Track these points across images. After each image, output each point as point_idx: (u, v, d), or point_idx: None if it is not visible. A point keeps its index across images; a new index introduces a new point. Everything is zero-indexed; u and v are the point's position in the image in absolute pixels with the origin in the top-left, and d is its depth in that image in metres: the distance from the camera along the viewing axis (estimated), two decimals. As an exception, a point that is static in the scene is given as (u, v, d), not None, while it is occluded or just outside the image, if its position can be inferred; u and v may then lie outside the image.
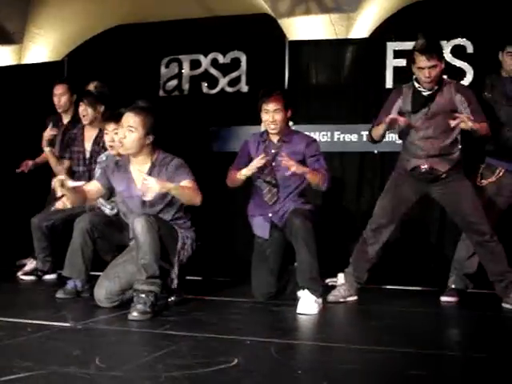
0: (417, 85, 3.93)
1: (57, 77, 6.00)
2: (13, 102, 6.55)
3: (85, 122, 4.83)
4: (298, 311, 3.65)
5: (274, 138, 4.08)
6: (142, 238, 3.40)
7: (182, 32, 6.52)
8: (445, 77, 4.05)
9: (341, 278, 4.26)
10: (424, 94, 3.91)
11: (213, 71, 6.37)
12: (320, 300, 3.77)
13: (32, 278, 4.97)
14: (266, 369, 2.45)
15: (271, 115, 3.99)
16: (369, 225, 4.10)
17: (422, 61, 3.81)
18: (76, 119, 5.07)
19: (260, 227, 4.11)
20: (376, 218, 4.07)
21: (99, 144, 4.72)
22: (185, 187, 3.56)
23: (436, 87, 3.89)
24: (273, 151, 4.04)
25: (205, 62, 6.39)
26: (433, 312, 3.73)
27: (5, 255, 5.51)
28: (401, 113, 3.97)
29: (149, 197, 3.42)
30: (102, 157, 4.41)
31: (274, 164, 4.02)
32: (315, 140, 4.19)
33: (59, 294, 4.01)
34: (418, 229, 5.34)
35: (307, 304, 3.68)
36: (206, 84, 6.39)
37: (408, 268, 4.15)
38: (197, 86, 6.41)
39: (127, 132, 3.60)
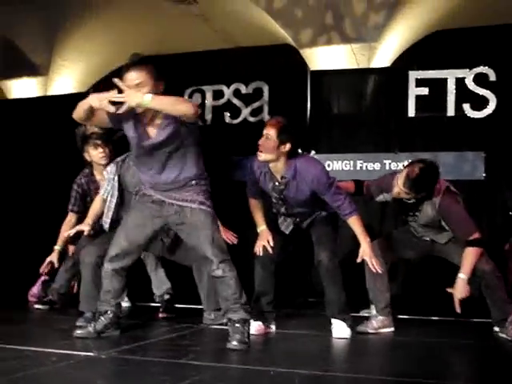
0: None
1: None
2: (39, 133, 6.65)
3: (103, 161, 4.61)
4: (333, 336, 3.84)
5: (277, 175, 3.89)
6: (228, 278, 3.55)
7: (204, 63, 6.60)
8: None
9: (373, 309, 4.22)
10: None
11: (235, 101, 6.42)
12: (349, 329, 3.88)
13: (46, 306, 4.99)
14: (290, 400, 2.43)
15: (262, 139, 3.80)
16: None
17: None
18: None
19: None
20: None
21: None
22: (164, 97, 3.45)
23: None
24: (281, 188, 3.90)
25: (227, 92, 6.45)
26: (459, 343, 3.68)
27: (16, 284, 5.51)
28: None
29: (123, 109, 3.35)
30: (108, 169, 4.29)
31: (283, 198, 3.95)
32: (320, 168, 3.85)
33: (79, 322, 3.96)
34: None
35: (340, 329, 3.86)
36: (228, 114, 6.44)
37: (439, 298, 4.08)
38: (219, 116, 6.46)
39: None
